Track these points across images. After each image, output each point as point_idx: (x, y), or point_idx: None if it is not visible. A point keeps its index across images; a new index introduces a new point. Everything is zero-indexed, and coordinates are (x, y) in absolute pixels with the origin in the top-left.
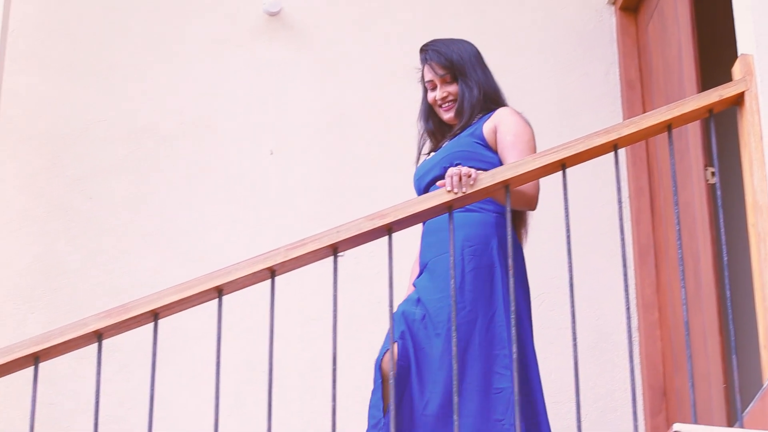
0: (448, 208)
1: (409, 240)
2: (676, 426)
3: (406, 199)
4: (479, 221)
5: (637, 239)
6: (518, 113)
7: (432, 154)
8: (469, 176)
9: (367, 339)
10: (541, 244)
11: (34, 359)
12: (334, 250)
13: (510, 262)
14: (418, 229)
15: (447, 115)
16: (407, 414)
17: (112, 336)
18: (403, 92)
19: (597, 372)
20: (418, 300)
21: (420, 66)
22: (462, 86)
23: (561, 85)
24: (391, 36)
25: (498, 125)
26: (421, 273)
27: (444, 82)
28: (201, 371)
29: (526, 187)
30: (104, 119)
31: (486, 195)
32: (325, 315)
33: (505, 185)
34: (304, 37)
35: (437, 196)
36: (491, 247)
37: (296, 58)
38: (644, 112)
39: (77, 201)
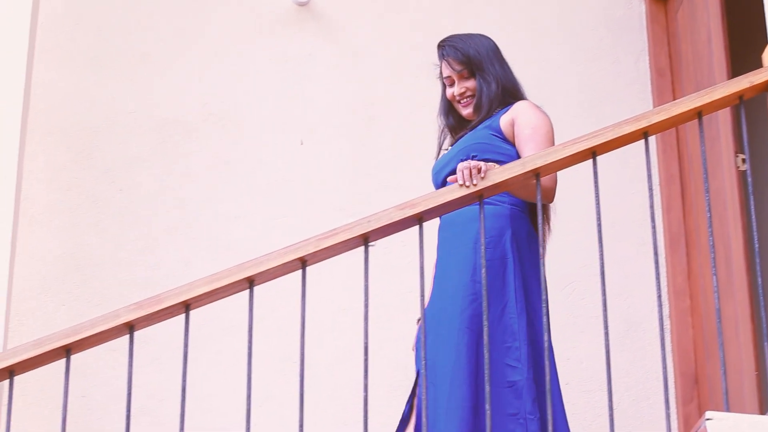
0: (478, 197)
1: None
2: (709, 414)
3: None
4: (493, 214)
5: (668, 227)
6: (537, 106)
7: (450, 148)
8: (479, 170)
9: (399, 329)
10: (571, 233)
11: (66, 351)
12: (365, 239)
13: (541, 250)
14: None
15: (465, 111)
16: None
17: (144, 327)
18: (432, 82)
19: (629, 360)
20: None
21: (438, 62)
22: (480, 81)
23: (591, 73)
24: (419, 26)
25: (516, 118)
26: (437, 269)
27: (461, 77)
28: (232, 362)
29: (542, 179)
30: (132, 111)
31: (516, 185)
32: (357, 305)
33: (536, 173)
34: (332, 27)
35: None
36: (504, 240)
37: (324, 48)
38: (674, 99)
39: (106, 193)
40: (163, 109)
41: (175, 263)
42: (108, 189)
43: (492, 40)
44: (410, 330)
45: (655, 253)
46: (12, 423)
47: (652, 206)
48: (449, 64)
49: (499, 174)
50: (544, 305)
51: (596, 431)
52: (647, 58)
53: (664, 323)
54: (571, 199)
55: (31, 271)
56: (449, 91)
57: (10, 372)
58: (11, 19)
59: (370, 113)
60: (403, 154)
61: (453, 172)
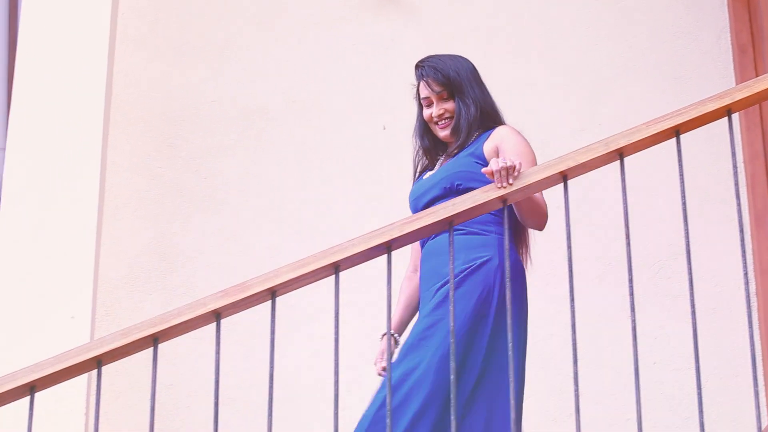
0: (563, 178)
1: None
2: None
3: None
4: (480, 244)
5: (753, 204)
6: (518, 132)
7: (428, 173)
8: (514, 168)
9: None
10: (656, 212)
11: (153, 340)
12: (450, 223)
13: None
14: None
15: (443, 133)
16: None
17: (230, 315)
18: (511, 66)
19: (716, 339)
20: (403, 359)
21: (415, 82)
22: (459, 104)
23: (672, 51)
24: (502, 9)
25: (499, 144)
26: (421, 302)
27: (440, 98)
28: (319, 348)
29: (543, 203)
30: (215, 100)
31: (601, 164)
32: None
33: (619, 153)
34: (411, 11)
35: (552, 167)
36: (489, 268)
37: (404, 33)
38: (756, 76)
39: (191, 182)
40: (246, 96)
41: (261, 250)
42: (192, 178)
43: (471, 63)
44: None
45: (741, 231)
46: (101, 412)
47: (736, 184)
48: (428, 84)
49: (582, 155)
50: (630, 290)
51: (685, 409)
52: (729, 35)
53: (751, 301)
54: (655, 179)
55: (117, 261)
56: (426, 112)
57: (98, 362)
58: (93, 9)
59: None
60: None
61: (436, 198)
